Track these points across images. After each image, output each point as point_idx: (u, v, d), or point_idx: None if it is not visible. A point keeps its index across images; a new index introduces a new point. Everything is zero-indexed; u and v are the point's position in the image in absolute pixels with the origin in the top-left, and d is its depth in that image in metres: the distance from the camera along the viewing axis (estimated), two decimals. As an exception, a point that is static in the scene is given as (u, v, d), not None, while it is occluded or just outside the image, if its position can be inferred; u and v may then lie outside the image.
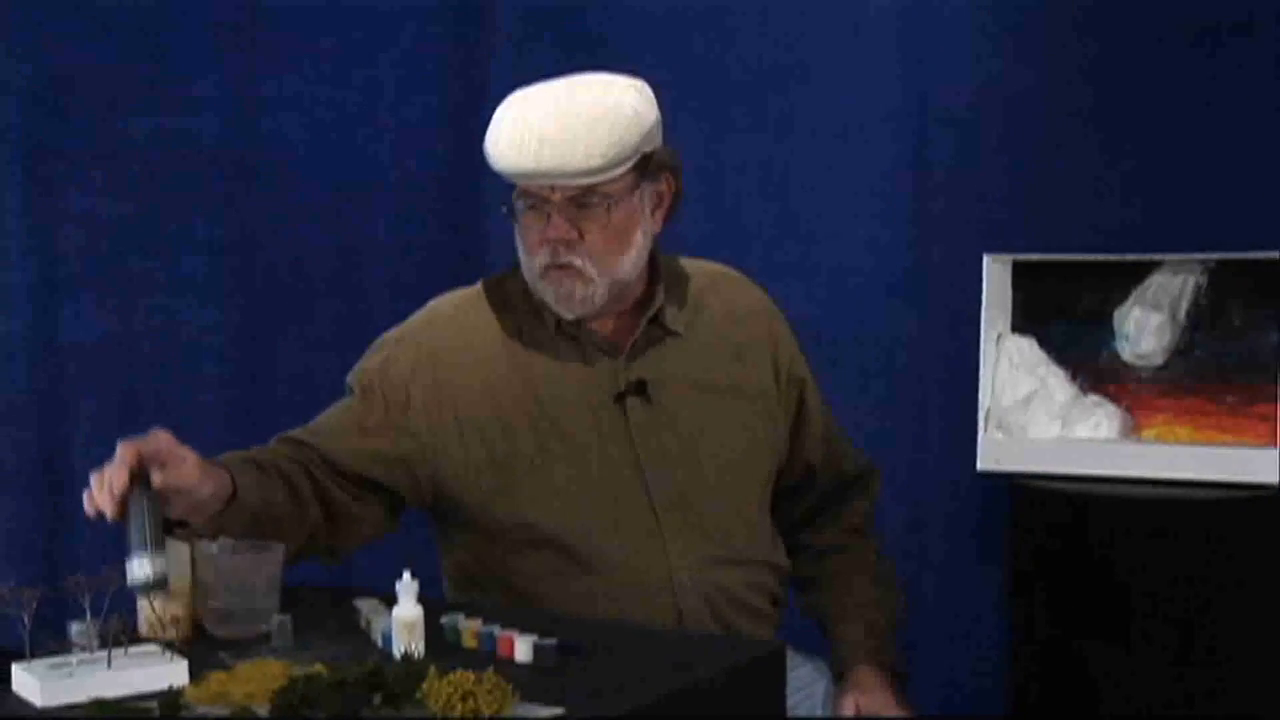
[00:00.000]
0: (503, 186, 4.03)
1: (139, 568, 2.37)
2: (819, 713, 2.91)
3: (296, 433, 2.85)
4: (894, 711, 2.90)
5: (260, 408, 4.12)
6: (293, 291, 4.16)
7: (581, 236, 2.75)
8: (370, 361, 2.89)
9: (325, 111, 4.16)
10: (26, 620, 2.23)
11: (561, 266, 2.76)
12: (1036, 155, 3.81)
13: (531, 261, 2.80)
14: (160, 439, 2.48)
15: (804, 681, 2.93)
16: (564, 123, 2.69)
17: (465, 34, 4.22)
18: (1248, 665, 3.22)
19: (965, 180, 3.88)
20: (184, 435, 3.96)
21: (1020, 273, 3.54)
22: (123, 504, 2.40)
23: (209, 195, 4.08)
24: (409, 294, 3.64)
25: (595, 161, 2.69)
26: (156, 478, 2.43)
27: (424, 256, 4.18)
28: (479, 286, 2.95)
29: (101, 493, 2.41)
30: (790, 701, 2.73)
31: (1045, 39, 3.80)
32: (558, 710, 2.09)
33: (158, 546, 2.40)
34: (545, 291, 2.80)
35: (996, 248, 3.53)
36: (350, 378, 2.90)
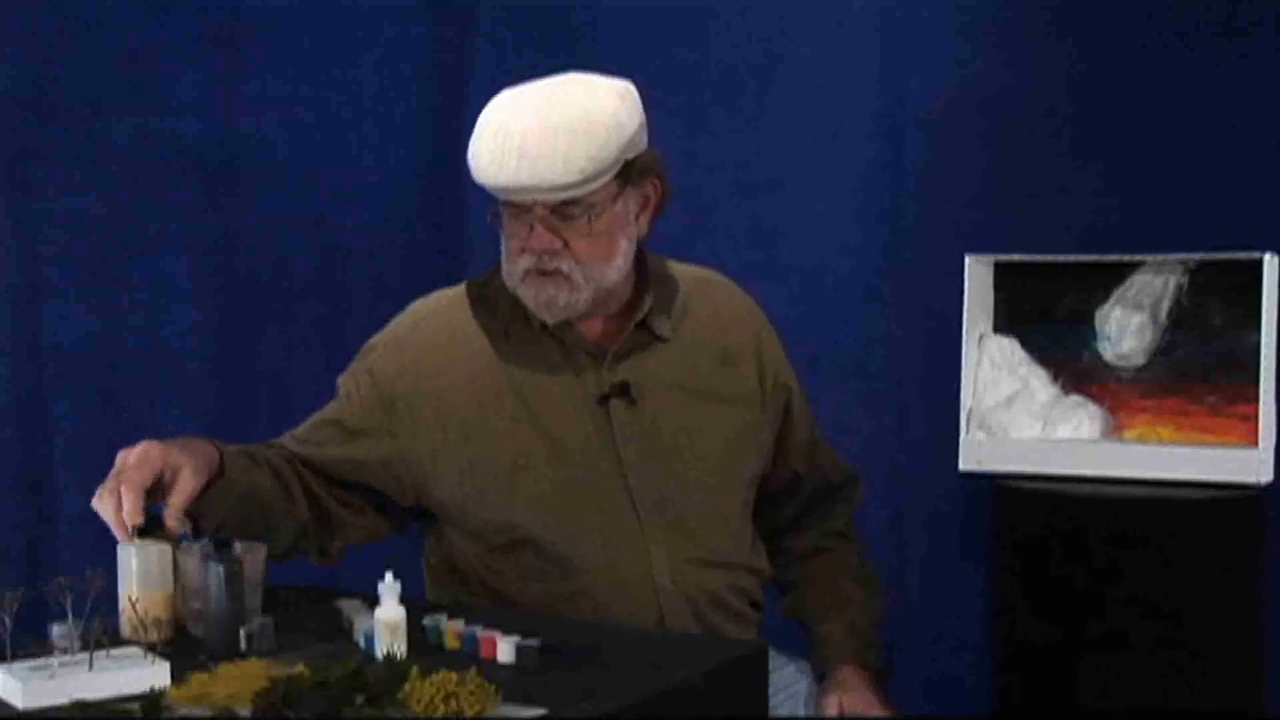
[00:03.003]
0: (485, 190, 4.04)
1: (242, 639, 2.41)
2: (801, 713, 2.91)
3: (284, 440, 2.87)
4: (877, 711, 2.90)
5: (241, 408, 4.12)
6: (274, 292, 4.16)
7: (566, 245, 2.73)
8: (357, 366, 2.90)
9: (306, 112, 4.16)
10: (7, 622, 2.22)
11: (545, 272, 2.75)
12: (1015, 156, 3.82)
13: (513, 267, 2.78)
14: (154, 461, 2.52)
15: (786, 682, 2.93)
16: (541, 136, 2.66)
17: (445, 34, 4.23)
18: (1227, 663, 3.22)
19: (943, 181, 3.89)
20: (165, 436, 3.96)
21: (1002, 273, 3.55)
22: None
23: (190, 196, 4.08)
24: (390, 295, 3.63)
25: (574, 175, 2.67)
26: (170, 510, 2.51)
27: (405, 257, 4.18)
28: (463, 287, 2.95)
29: (127, 535, 2.49)
30: (773, 702, 2.73)
31: (1023, 40, 3.81)
32: (540, 711, 2.09)
33: (248, 612, 2.47)
34: (525, 296, 2.79)
35: (975, 248, 3.54)
36: (339, 382, 2.91)
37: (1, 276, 3.94)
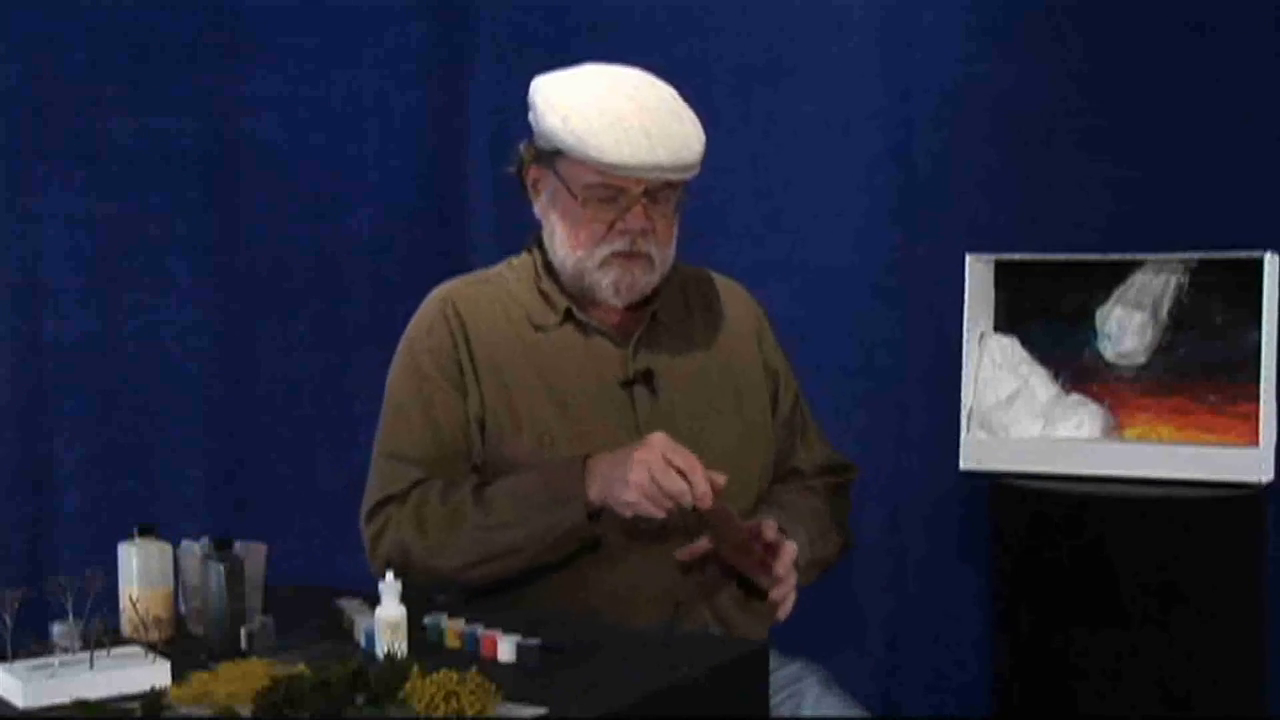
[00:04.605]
0: (487, 187, 4.03)
1: (242, 638, 2.42)
2: (802, 712, 2.90)
3: (460, 480, 2.83)
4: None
5: (241, 407, 4.11)
6: (274, 292, 4.15)
7: (654, 228, 2.80)
8: (418, 360, 2.90)
9: (307, 111, 4.15)
10: (8, 621, 2.22)
11: (632, 255, 2.81)
12: (1019, 155, 3.82)
13: (593, 250, 2.82)
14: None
15: (787, 681, 2.92)
16: (661, 117, 2.76)
17: (446, 34, 4.22)
18: (1228, 662, 3.22)
19: (948, 179, 3.89)
20: (165, 435, 3.99)
21: (1003, 272, 3.55)
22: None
23: (190, 195, 4.07)
24: (390, 295, 3.63)
25: (694, 156, 2.78)
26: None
27: (405, 257, 4.18)
28: (481, 274, 2.99)
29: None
30: (773, 701, 2.74)
31: (1028, 39, 3.81)
32: (540, 710, 2.09)
33: (249, 611, 2.48)
34: (601, 277, 2.83)
35: (979, 247, 3.54)
36: (403, 387, 2.90)
37: (1, 276, 3.93)
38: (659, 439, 2.63)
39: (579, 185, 2.80)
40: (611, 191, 2.78)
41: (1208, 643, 3.19)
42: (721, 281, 3.08)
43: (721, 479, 2.65)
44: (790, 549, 2.77)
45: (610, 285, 2.83)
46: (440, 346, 2.88)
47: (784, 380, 3.04)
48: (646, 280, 2.83)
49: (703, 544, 2.78)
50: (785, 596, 2.77)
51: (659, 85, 2.83)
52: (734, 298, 3.06)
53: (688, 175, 2.79)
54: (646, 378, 2.86)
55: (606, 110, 2.75)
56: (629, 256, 2.81)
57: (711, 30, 4.04)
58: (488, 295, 2.93)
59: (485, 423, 2.84)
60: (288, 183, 4.15)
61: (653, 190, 2.78)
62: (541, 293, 2.90)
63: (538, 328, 2.88)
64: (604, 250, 2.81)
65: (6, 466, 3.92)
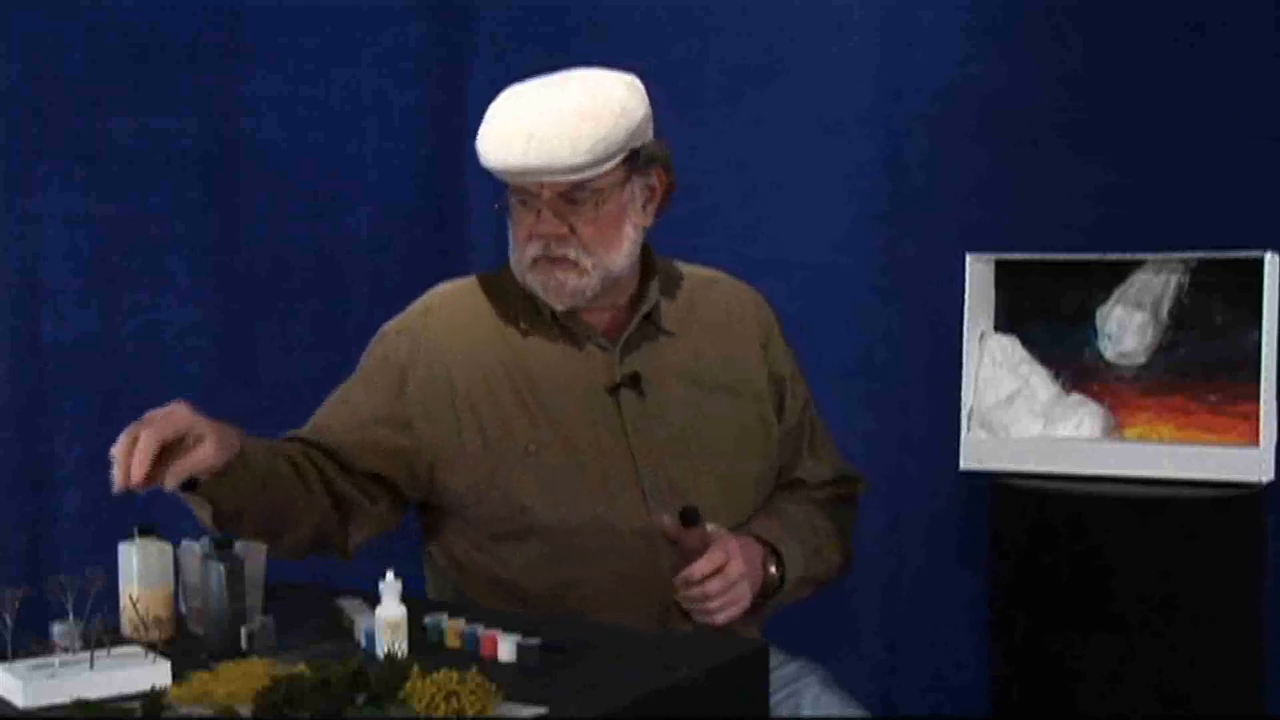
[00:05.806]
0: (487, 187, 4.02)
1: (242, 638, 2.41)
2: (802, 712, 2.90)
3: (301, 431, 2.89)
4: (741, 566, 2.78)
5: (242, 408, 4.07)
6: (274, 291, 4.15)
7: (572, 231, 2.78)
8: (372, 351, 2.94)
9: (306, 111, 4.15)
10: (9, 621, 2.22)
11: (552, 259, 2.79)
12: (1016, 154, 3.83)
13: (521, 255, 2.83)
14: (178, 420, 2.50)
15: (788, 680, 2.92)
16: (550, 119, 2.73)
17: (445, 33, 4.23)
18: (1228, 663, 3.22)
19: (943, 179, 3.89)
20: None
21: (1003, 272, 3.55)
22: (146, 483, 2.47)
23: (190, 195, 4.07)
24: (390, 294, 3.62)
25: (581, 157, 2.72)
26: (178, 466, 2.48)
27: (405, 257, 4.18)
28: (474, 278, 2.98)
29: (125, 477, 2.47)
30: (773, 700, 2.73)
31: (1023, 38, 3.81)
32: (541, 710, 2.09)
33: (249, 611, 2.47)
34: (534, 284, 2.83)
35: (975, 246, 3.53)
36: (359, 367, 2.95)
37: (1, 276, 3.93)
38: (168, 406, 2.55)
39: (508, 191, 2.83)
40: (523, 196, 2.80)
41: (1207, 644, 3.19)
42: (733, 285, 3.07)
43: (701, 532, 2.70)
44: (699, 565, 2.73)
45: (543, 290, 2.83)
46: (392, 356, 2.90)
47: (790, 387, 3.03)
48: (577, 285, 2.81)
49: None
50: (705, 609, 2.75)
51: (585, 89, 2.78)
52: (743, 301, 3.04)
53: (572, 177, 2.74)
54: (634, 381, 2.86)
55: (507, 114, 2.78)
56: (548, 261, 2.80)
57: (711, 30, 4.05)
58: (479, 303, 2.92)
59: (464, 441, 2.82)
60: (287, 183, 4.15)
61: (566, 194, 2.77)
62: (528, 299, 2.89)
63: (526, 332, 2.88)
64: (528, 255, 2.81)
65: (6, 466, 3.92)
